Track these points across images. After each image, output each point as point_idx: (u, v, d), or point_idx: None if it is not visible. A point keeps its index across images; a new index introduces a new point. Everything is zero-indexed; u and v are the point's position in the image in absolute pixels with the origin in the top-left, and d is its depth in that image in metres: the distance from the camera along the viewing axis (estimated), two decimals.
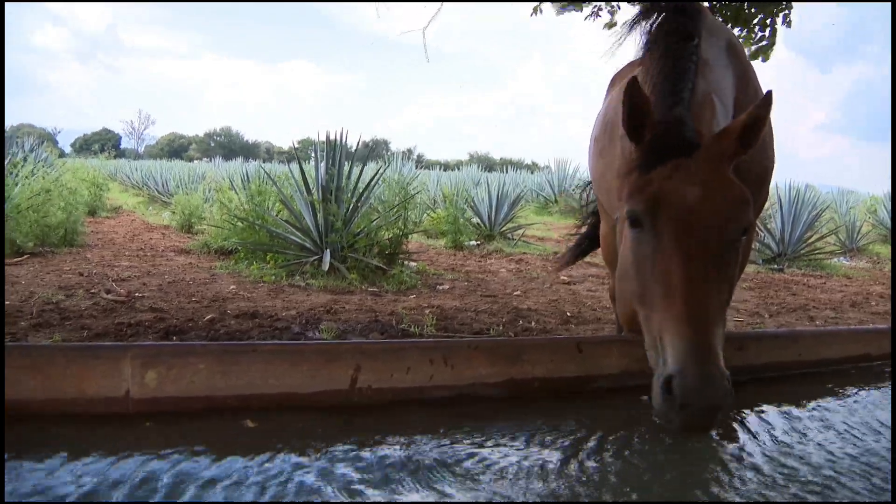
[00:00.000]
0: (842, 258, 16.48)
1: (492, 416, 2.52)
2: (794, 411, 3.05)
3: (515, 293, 9.27)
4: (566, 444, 2.41)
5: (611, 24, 8.63)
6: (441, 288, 9.44)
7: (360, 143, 12.14)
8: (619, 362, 2.94)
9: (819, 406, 3.14)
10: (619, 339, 3.89)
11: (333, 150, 10.38)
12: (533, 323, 7.43)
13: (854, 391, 3.34)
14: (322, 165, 10.42)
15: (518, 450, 2.32)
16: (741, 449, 2.64)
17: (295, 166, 11.02)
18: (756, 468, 2.49)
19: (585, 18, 8.75)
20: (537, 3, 8.88)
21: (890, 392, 3.28)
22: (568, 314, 8.00)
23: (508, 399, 2.66)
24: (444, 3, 9.11)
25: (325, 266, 9.39)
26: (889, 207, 20.42)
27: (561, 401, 2.76)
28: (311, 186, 10.35)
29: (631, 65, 5.52)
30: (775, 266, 13.61)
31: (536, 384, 2.73)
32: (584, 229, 6.71)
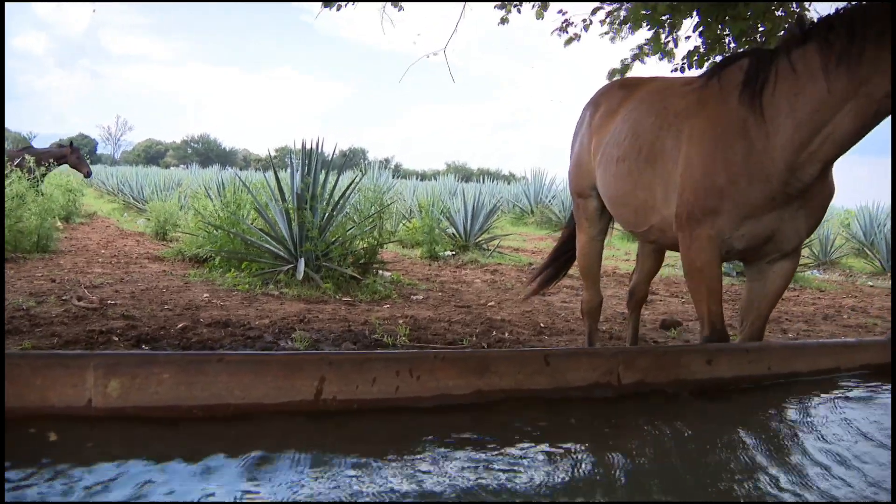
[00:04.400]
0: (815, 271, 16.60)
1: (457, 427, 2.53)
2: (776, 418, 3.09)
3: (489, 304, 9.30)
4: (534, 457, 2.41)
5: (569, 39, 8.67)
6: (415, 298, 9.45)
7: (337, 152, 12.16)
8: (588, 375, 2.95)
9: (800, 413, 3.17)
10: (587, 351, 3.92)
11: (309, 159, 10.36)
12: (506, 334, 7.45)
13: (826, 400, 3.38)
14: (297, 174, 10.40)
15: (481, 461, 2.32)
16: (717, 457, 2.65)
17: (271, 174, 11.00)
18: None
19: (552, 33, 8.81)
20: (505, 13, 8.91)
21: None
22: (541, 325, 8.03)
23: (476, 410, 2.67)
24: (462, 20, 9.15)
25: (300, 275, 9.37)
26: (861, 222, 20.57)
27: (529, 413, 2.76)
28: (286, 195, 10.33)
29: (612, 86, 5.62)
30: None
31: (504, 396, 2.74)
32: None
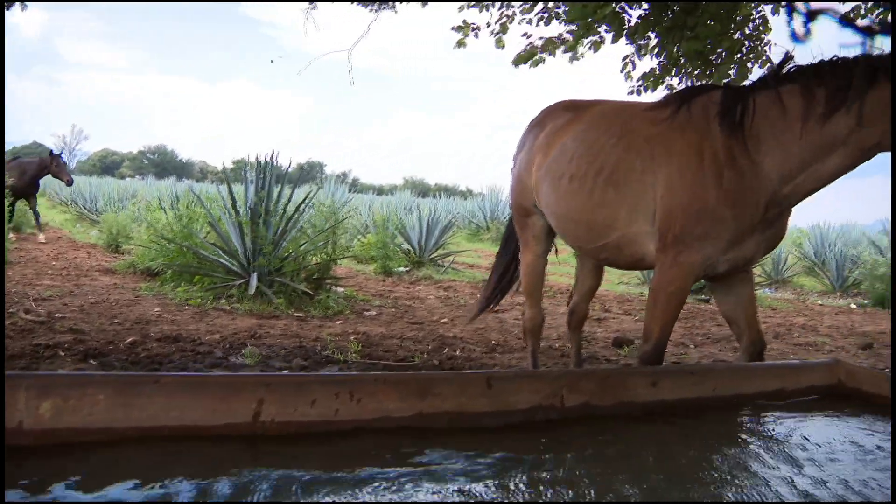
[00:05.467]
0: (767, 289, 16.80)
1: (398, 450, 2.52)
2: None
3: (442, 321, 9.29)
4: (473, 482, 2.41)
5: (536, 62, 8.69)
6: (368, 314, 9.43)
7: (292, 166, 12.12)
8: (531, 398, 2.95)
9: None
10: (530, 374, 3.93)
11: (264, 173, 10.31)
12: (458, 351, 7.44)
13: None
14: (252, 188, 10.34)
15: (420, 485, 2.32)
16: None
17: (225, 188, 10.92)
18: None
19: (516, 58, 8.82)
20: (462, 37, 8.94)
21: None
22: (494, 342, 8.03)
23: (416, 433, 2.66)
24: (373, 25, 9.13)
25: (252, 290, 9.31)
26: (813, 241, 20.91)
27: (471, 436, 2.76)
28: (240, 209, 10.25)
29: (556, 107, 5.64)
30: (702, 297, 13.79)
31: (446, 419, 2.73)
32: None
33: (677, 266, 4.36)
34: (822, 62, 4.02)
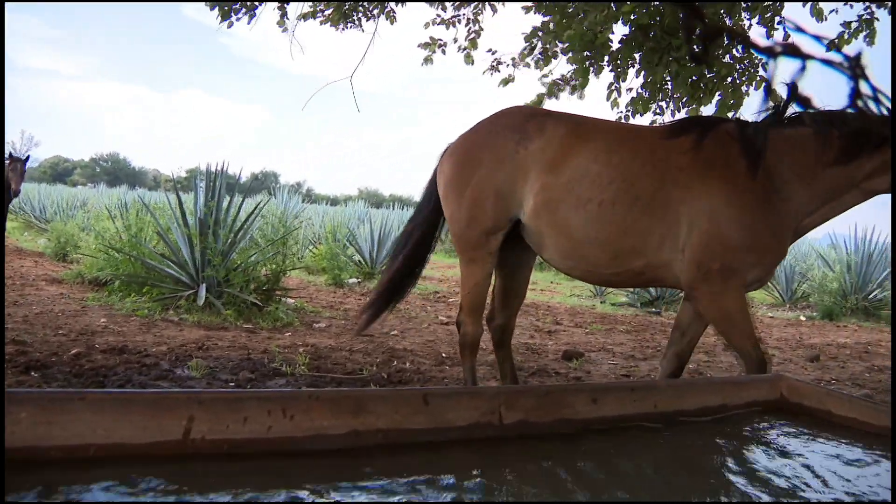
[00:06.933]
0: None
1: (331, 467, 2.49)
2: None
3: (392, 333, 9.25)
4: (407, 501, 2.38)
5: (507, 81, 8.72)
6: (317, 326, 9.36)
7: (245, 175, 12.04)
8: (469, 415, 2.93)
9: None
10: (467, 391, 3.90)
11: (213, 182, 10.21)
12: (407, 364, 7.42)
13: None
14: (202, 197, 10.24)
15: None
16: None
17: (174, 197, 10.80)
18: None
19: (483, 73, 8.85)
20: (429, 53, 8.97)
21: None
22: (444, 355, 8.01)
23: (351, 451, 2.62)
24: (368, 51, 9.17)
25: (200, 301, 9.21)
26: None
27: (406, 454, 2.72)
28: (189, 218, 10.14)
29: (533, 115, 5.49)
30: (653, 309, 13.89)
31: (381, 436, 2.70)
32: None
33: (731, 290, 4.69)
34: (836, 111, 4.43)
